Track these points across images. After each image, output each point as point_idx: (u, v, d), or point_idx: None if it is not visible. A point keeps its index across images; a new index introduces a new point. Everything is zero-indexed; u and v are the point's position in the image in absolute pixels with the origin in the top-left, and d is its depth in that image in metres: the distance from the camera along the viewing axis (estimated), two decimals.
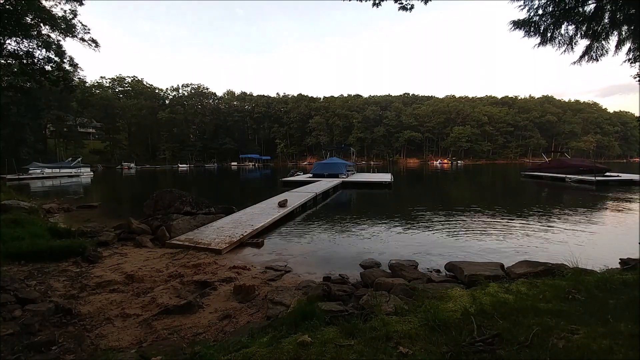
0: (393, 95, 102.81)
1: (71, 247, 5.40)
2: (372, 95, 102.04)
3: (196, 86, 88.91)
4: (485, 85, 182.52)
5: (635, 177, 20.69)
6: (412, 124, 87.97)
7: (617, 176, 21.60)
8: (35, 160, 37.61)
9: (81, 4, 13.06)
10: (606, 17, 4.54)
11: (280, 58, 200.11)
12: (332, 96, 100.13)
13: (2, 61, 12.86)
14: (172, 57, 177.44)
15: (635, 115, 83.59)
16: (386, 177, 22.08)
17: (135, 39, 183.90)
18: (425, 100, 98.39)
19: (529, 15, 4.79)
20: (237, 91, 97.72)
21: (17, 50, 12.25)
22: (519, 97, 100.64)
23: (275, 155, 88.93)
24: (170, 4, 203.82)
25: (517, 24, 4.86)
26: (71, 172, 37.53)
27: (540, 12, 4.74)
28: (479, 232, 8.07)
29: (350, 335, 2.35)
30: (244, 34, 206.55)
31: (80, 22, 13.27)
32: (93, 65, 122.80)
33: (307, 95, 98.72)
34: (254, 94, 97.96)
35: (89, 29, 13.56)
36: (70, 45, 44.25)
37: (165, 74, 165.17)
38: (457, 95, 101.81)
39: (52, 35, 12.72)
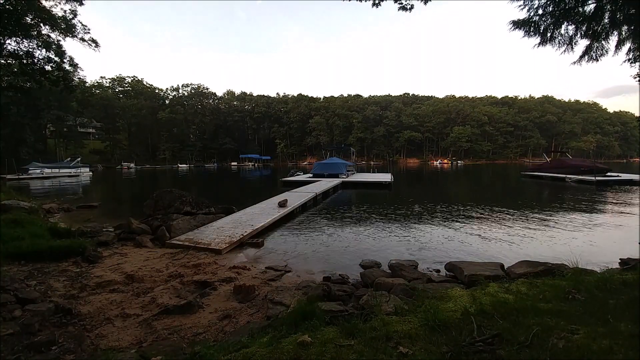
0: (393, 95, 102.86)
1: (71, 247, 5.40)
2: (372, 95, 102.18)
3: (196, 86, 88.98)
4: (485, 85, 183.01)
5: (635, 177, 20.70)
6: (412, 124, 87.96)
7: (617, 176, 21.60)
8: (35, 160, 37.63)
9: (81, 4, 13.05)
10: (606, 17, 4.55)
11: (280, 58, 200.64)
12: (332, 96, 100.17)
13: (2, 61, 12.85)
14: (172, 57, 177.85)
15: (635, 115, 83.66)
16: (386, 177, 22.07)
17: (135, 39, 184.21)
18: (425, 100, 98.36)
19: (529, 15, 4.80)
20: (237, 91, 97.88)
21: (17, 50, 12.24)
22: (519, 97, 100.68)
23: (275, 155, 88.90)
24: (170, 4, 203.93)
25: (517, 24, 4.87)
26: (70, 172, 37.56)
27: (540, 12, 4.75)
28: (479, 232, 8.06)
29: (350, 335, 2.35)
30: (244, 34, 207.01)
31: (80, 22, 13.26)
32: (93, 65, 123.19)
33: (307, 95, 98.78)
34: (254, 94, 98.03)
35: (89, 29, 13.55)
36: (70, 45, 44.32)
37: (165, 74, 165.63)
38: (457, 95, 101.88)
39: (52, 35, 12.71)
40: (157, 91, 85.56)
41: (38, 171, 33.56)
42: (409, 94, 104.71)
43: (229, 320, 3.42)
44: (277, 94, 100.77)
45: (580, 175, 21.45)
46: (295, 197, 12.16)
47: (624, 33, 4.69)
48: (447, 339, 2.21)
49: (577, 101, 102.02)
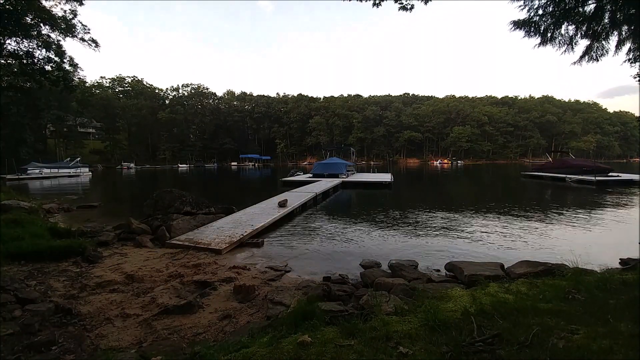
0: (393, 95, 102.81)
1: (71, 247, 5.40)
2: (372, 95, 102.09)
3: (196, 86, 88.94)
4: (485, 85, 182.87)
5: (635, 177, 20.70)
6: (412, 124, 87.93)
7: (618, 176, 21.60)
8: (35, 160, 37.60)
9: (81, 4, 13.06)
10: (606, 17, 4.54)
11: (280, 58, 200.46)
12: (332, 96, 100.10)
13: (2, 61, 12.86)
14: (172, 57, 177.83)
15: (635, 115, 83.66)
16: (386, 177, 22.07)
17: (135, 38, 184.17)
18: (425, 100, 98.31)
19: (529, 15, 4.80)
20: (237, 91, 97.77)
21: (17, 50, 12.25)
22: (519, 97, 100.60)
23: (275, 155, 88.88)
24: (170, 4, 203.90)
25: (518, 24, 4.87)
26: (70, 172, 37.54)
27: (540, 12, 4.75)
28: (479, 232, 8.07)
29: (350, 335, 2.35)
30: (244, 34, 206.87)
31: (80, 22, 13.27)
32: (93, 65, 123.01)
33: (307, 95, 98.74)
34: (254, 94, 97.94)
35: (88, 29, 13.55)
36: (70, 45, 44.29)
37: (165, 74, 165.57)
38: (457, 95, 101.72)
39: (52, 35, 12.72)
40: (157, 91, 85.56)
41: (37, 171, 33.53)
42: (409, 94, 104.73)
43: (229, 320, 3.42)
44: (277, 94, 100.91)
45: (581, 175, 21.45)
46: (295, 197, 12.16)
47: (624, 33, 4.69)
48: (447, 339, 2.20)
49: (577, 101, 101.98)
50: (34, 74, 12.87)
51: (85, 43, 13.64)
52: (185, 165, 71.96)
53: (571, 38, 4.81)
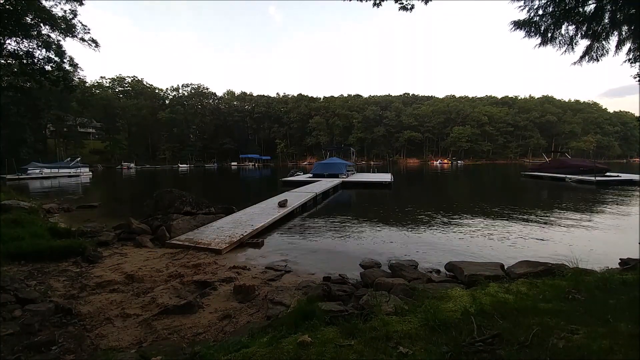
0: (393, 95, 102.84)
1: (71, 247, 5.40)
2: (372, 95, 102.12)
3: (196, 86, 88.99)
4: (485, 85, 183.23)
5: (635, 177, 20.70)
6: (412, 124, 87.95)
7: (617, 176, 21.60)
8: (35, 160, 37.61)
9: (81, 4, 13.07)
10: (606, 17, 4.55)
11: (280, 58, 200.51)
12: (332, 96, 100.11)
13: (2, 61, 12.87)
14: (172, 57, 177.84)
15: (635, 115, 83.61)
16: (386, 177, 22.07)
17: (135, 39, 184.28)
18: (425, 100, 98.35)
19: (530, 15, 4.80)
20: (237, 91, 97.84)
21: (17, 50, 12.26)
22: (519, 97, 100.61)
23: (275, 155, 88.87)
24: (170, 4, 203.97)
25: (518, 25, 4.87)
26: (70, 172, 37.54)
27: (540, 12, 4.75)
28: (479, 232, 8.06)
29: (350, 335, 2.35)
30: (244, 34, 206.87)
31: (80, 22, 13.29)
32: (93, 65, 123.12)
33: (307, 95, 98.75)
34: (254, 94, 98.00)
35: (89, 29, 13.57)
36: (70, 45, 44.29)
37: (165, 74, 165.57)
38: (457, 95, 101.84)
39: (52, 35, 12.73)
40: (157, 91, 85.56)
41: (37, 171, 33.53)
42: (409, 94, 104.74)
43: (229, 320, 3.42)
44: (277, 94, 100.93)
45: (580, 175, 21.46)
46: (295, 197, 12.15)
47: (624, 33, 4.69)
48: (447, 339, 2.20)
49: (577, 101, 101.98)
50: (34, 74, 12.88)
51: (85, 43, 13.66)
52: (185, 165, 71.97)
53: (571, 38, 4.81)
